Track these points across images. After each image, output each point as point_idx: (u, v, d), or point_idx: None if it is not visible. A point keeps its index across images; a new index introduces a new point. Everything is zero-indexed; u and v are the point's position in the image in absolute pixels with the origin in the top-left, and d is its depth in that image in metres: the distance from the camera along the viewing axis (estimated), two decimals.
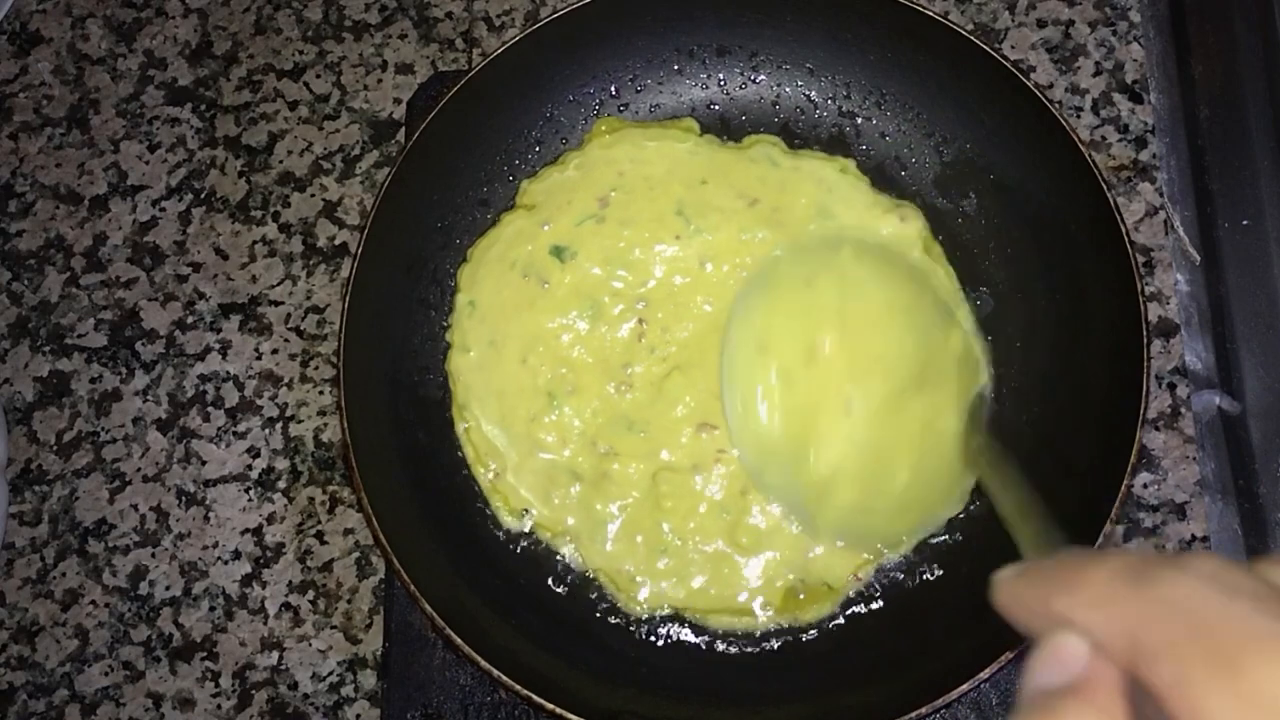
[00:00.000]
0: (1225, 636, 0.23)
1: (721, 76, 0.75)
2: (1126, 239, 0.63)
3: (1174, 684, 0.24)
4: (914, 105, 0.73)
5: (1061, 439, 0.65)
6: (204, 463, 0.74)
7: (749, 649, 0.66)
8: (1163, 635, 0.24)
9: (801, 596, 0.66)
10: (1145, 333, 0.62)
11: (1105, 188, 0.64)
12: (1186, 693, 0.23)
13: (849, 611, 0.66)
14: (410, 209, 0.70)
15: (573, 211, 0.72)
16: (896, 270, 0.63)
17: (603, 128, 0.74)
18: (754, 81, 0.75)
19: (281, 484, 0.73)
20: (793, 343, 0.62)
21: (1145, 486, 0.71)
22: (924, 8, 0.69)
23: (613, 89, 0.75)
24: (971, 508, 0.66)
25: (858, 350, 0.61)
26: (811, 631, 0.66)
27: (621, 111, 0.75)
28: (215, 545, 0.72)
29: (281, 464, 0.74)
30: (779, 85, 0.75)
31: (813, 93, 0.75)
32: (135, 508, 0.73)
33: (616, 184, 0.72)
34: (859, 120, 0.74)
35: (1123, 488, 0.59)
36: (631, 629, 0.66)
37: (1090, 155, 0.65)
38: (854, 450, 0.61)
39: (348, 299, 0.66)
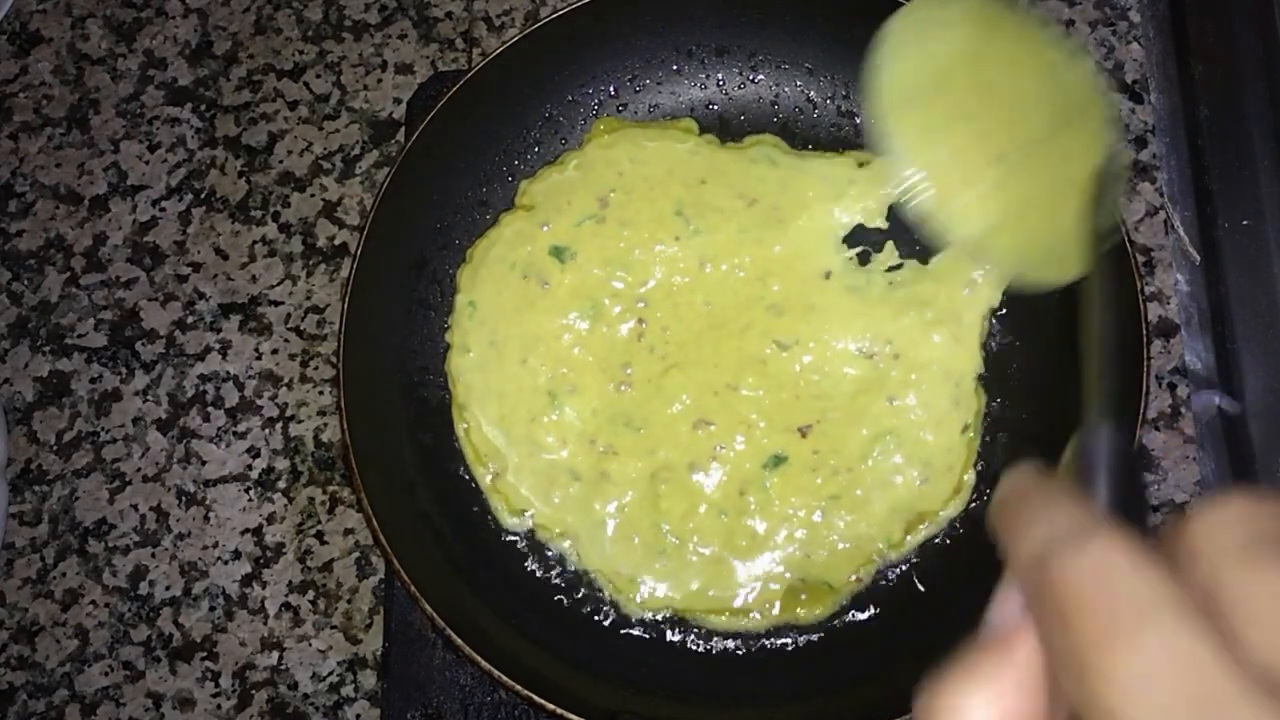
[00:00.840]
0: (1083, 624, 0.23)
1: (720, 76, 0.75)
2: (1127, 240, 0.63)
3: (1051, 661, 0.25)
4: None
5: (1062, 439, 0.65)
6: (204, 463, 0.74)
7: (749, 648, 0.66)
8: (1046, 608, 0.25)
9: (802, 597, 0.66)
10: (1145, 333, 0.62)
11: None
12: (1060, 671, 0.24)
13: (849, 612, 0.66)
14: (410, 209, 0.70)
15: (572, 212, 0.72)
16: (1022, 19, 0.62)
17: (602, 128, 0.74)
18: (753, 81, 0.75)
19: (281, 484, 0.73)
20: (936, 97, 0.60)
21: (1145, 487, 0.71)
22: None
23: (612, 89, 0.75)
24: (972, 506, 0.66)
25: (1002, 92, 0.59)
26: (812, 632, 0.66)
27: (620, 112, 0.75)
28: (215, 545, 0.72)
29: (281, 464, 0.74)
30: (778, 85, 0.75)
31: (812, 92, 0.75)
32: (135, 508, 0.73)
33: (616, 184, 0.72)
34: (858, 120, 0.74)
35: None
36: (631, 629, 0.66)
37: None
38: (1003, 191, 0.59)
39: (347, 299, 0.66)
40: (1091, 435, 0.31)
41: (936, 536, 0.66)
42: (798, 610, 0.65)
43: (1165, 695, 0.22)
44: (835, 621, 0.66)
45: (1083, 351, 0.40)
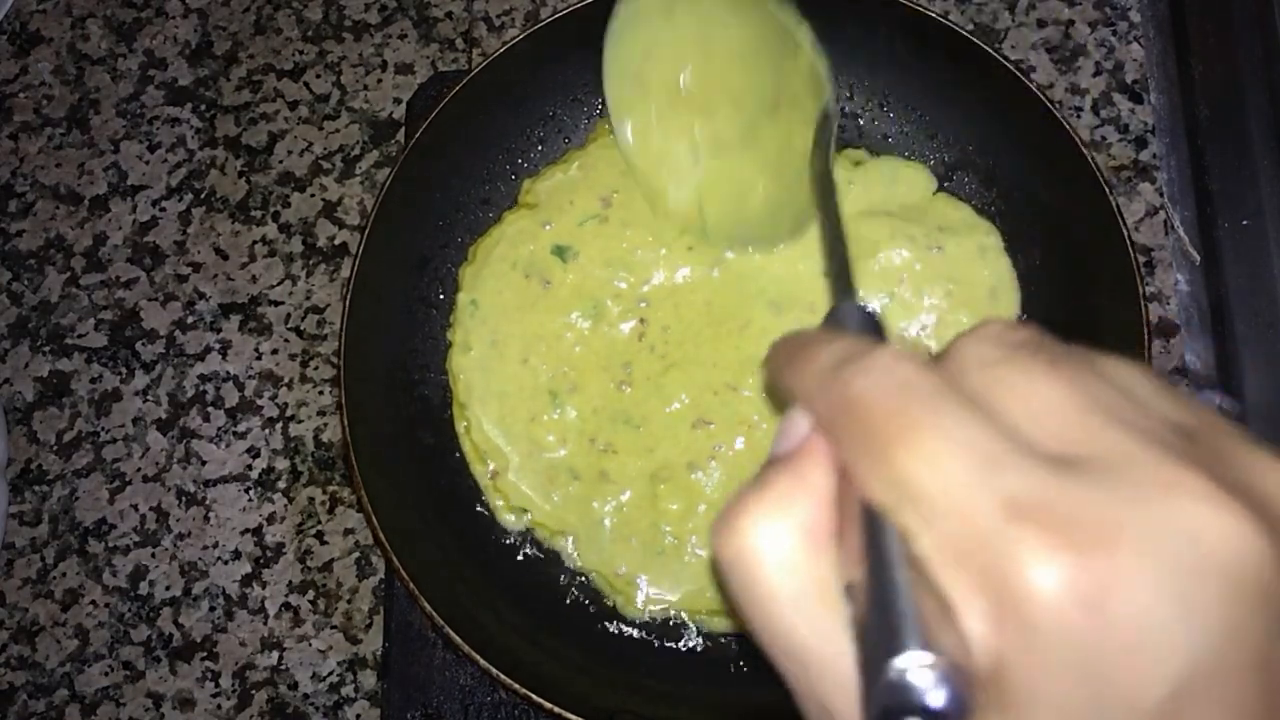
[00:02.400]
0: (880, 424, 0.25)
1: None
2: (1129, 242, 0.63)
3: (847, 467, 0.26)
4: (917, 107, 0.73)
5: None
6: (204, 463, 0.74)
7: (749, 649, 0.66)
8: (842, 421, 0.26)
9: None
10: (1147, 335, 0.62)
11: (1108, 191, 0.64)
12: (854, 474, 0.26)
13: None
14: (412, 206, 0.70)
15: (575, 211, 0.72)
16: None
17: (606, 128, 0.74)
18: None
19: (281, 484, 0.73)
20: (661, 78, 0.66)
21: None
22: (927, 9, 0.69)
23: None
24: None
25: (715, 81, 0.65)
26: None
27: None
28: (215, 545, 0.72)
29: (281, 464, 0.74)
30: None
31: None
32: (135, 508, 0.73)
33: (619, 184, 0.72)
34: (861, 121, 0.74)
35: None
36: (631, 629, 0.66)
37: (1093, 158, 0.65)
38: (714, 176, 0.65)
39: (349, 296, 0.66)
40: (835, 311, 0.35)
41: None
42: None
43: (962, 465, 0.24)
44: None
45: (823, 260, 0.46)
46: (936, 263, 0.69)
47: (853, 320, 0.34)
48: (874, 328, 0.33)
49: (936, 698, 0.23)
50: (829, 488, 0.27)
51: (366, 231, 0.67)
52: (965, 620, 0.23)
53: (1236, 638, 0.22)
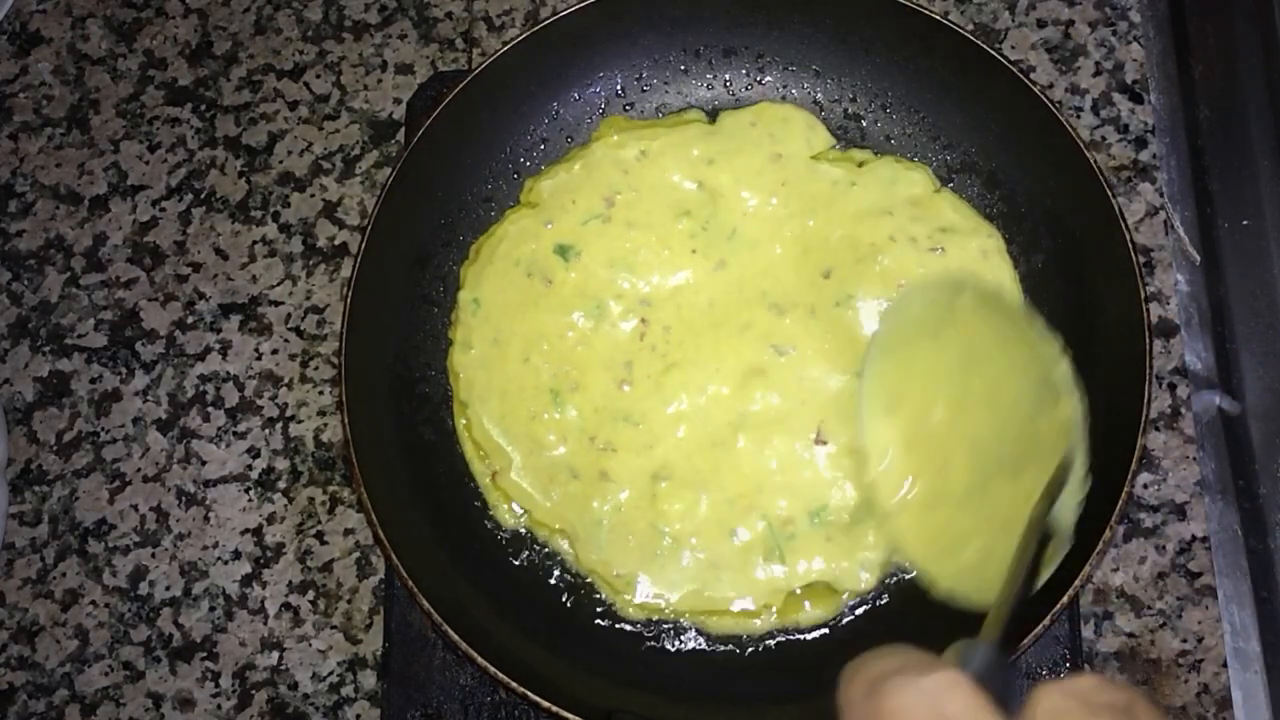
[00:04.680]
0: None
1: (728, 77, 0.75)
2: (1130, 244, 0.63)
3: None
4: (919, 108, 0.73)
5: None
6: (204, 463, 0.74)
7: (748, 650, 0.66)
8: None
9: (806, 605, 0.66)
10: (1148, 338, 0.62)
11: (1110, 193, 0.64)
12: None
13: (850, 614, 0.66)
14: (414, 204, 0.70)
15: (578, 210, 0.72)
16: (1011, 324, 0.60)
17: (608, 127, 0.74)
18: (760, 83, 0.75)
19: (281, 484, 0.73)
20: (913, 406, 0.60)
21: (1145, 487, 0.71)
22: (930, 11, 0.69)
23: (619, 88, 0.75)
24: None
25: (961, 426, 0.59)
26: (811, 633, 0.66)
27: (627, 111, 0.75)
28: (215, 545, 0.72)
29: (281, 464, 0.74)
30: (785, 87, 0.75)
31: (819, 94, 0.75)
32: (135, 508, 0.73)
33: (622, 184, 0.72)
34: (864, 123, 0.74)
35: (1125, 491, 0.59)
36: (629, 629, 0.66)
37: (1095, 160, 0.65)
38: (922, 523, 0.59)
39: (351, 292, 0.66)
40: (968, 645, 0.33)
41: None
42: (799, 614, 0.65)
43: None
44: (836, 624, 0.65)
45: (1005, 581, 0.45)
46: (938, 264, 0.69)
47: (978, 660, 0.31)
48: (998, 677, 0.30)
49: None
50: None
51: (368, 229, 0.67)
52: None
53: None
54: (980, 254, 0.70)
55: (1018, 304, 0.56)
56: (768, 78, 0.75)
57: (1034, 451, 0.56)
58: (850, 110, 0.74)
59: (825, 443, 0.67)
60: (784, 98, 0.75)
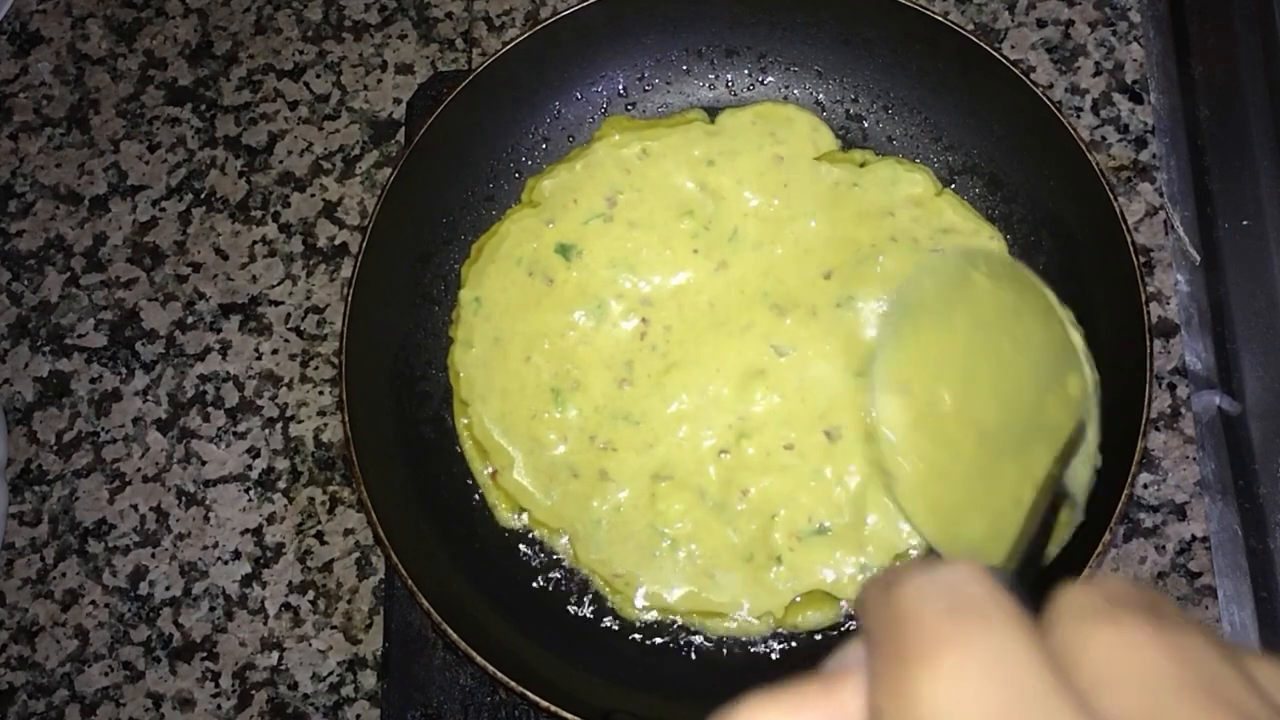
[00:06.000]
0: (911, 638, 0.22)
1: (730, 77, 0.75)
2: (1131, 247, 0.63)
3: (869, 683, 0.23)
4: (921, 109, 0.73)
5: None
6: (204, 463, 0.74)
7: (748, 650, 0.66)
8: (880, 635, 0.23)
9: (804, 607, 0.65)
10: (1149, 340, 0.62)
11: (1112, 196, 0.64)
12: (871, 692, 0.22)
13: (849, 622, 0.66)
14: (416, 202, 0.70)
15: (579, 210, 0.72)
16: (1023, 298, 0.60)
17: (610, 127, 0.74)
18: (762, 83, 0.75)
19: (281, 484, 0.73)
20: (925, 390, 0.59)
21: (1145, 487, 0.71)
22: (933, 12, 0.69)
23: (621, 87, 0.75)
24: None
25: (970, 410, 0.58)
26: (813, 634, 0.66)
27: (629, 110, 0.75)
28: (215, 545, 0.72)
29: (281, 464, 0.74)
30: (787, 87, 0.75)
31: (821, 95, 0.75)
32: (135, 508, 0.73)
33: (624, 184, 0.72)
34: (866, 124, 0.74)
35: (1125, 492, 0.59)
36: (629, 630, 0.66)
37: (1097, 163, 0.65)
38: (933, 494, 0.59)
39: (352, 289, 0.66)
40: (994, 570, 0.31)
41: None
42: (799, 618, 0.65)
43: (988, 695, 0.20)
44: (835, 626, 0.65)
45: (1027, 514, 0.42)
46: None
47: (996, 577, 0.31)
48: (1017, 592, 0.30)
49: None
50: (858, 713, 0.23)
51: (370, 226, 0.67)
52: None
53: None
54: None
55: (1031, 276, 0.56)
56: (770, 78, 0.75)
57: (1042, 428, 0.55)
58: (852, 111, 0.74)
59: (830, 440, 0.67)
60: (786, 98, 0.75)
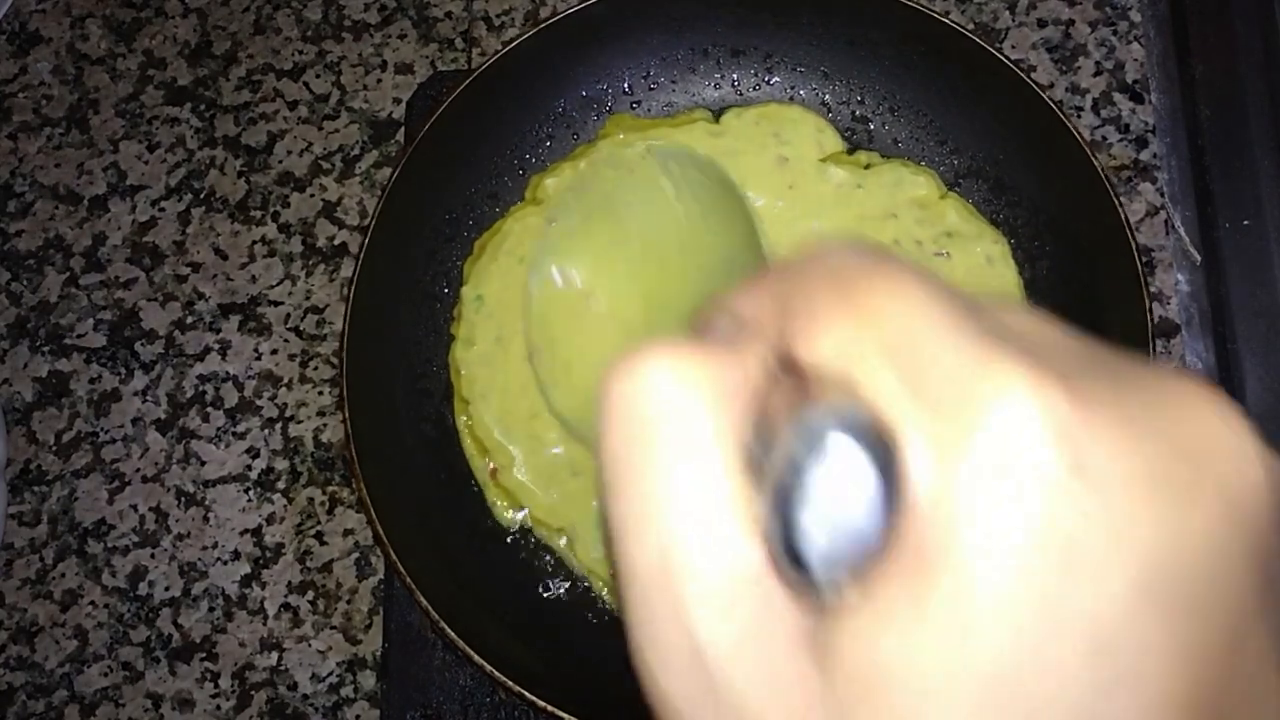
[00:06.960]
0: (850, 274, 0.22)
1: (736, 77, 0.75)
2: (1134, 247, 0.63)
3: (800, 325, 0.22)
4: (926, 111, 0.73)
5: None
6: (203, 463, 0.74)
7: None
8: (798, 282, 0.23)
9: None
10: (1151, 341, 0.62)
11: (1116, 200, 0.64)
12: (801, 336, 0.22)
13: None
14: (418, 199, 0.70)
15: None
16: (721, 204, 0.59)
17: (615, 125, 0.74)
18: (768, 83, 0.75)
19: (281, 484, 0.73)
20: (583, 280, 0.61)
21: None
22: (940, 15, 0.69)
23: (626, 86, 0.75)
24: None
25: (624, 308, 0.59)
26: None
27: (634, 109, 0.75)
28: (215, 545, 0.72)
29: (281, 464, 0.74)
30: (793, 88, 0.75)
31: (827, 96, 0.75)
32: (135, 508, 0.73)
33: None
34: (872, 126, 0.74)
35: None
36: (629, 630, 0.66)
37: (1101, 167, 0.65)
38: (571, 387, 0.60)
39: (353, 286, 0.66)
40: None
41: None
42: None
43: (941, 302, 0.21)
44: None
45: None
46: (942, 269, 0.69)
47: None
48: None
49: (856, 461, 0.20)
50: (760, 377, 0.23)
51: (372, 222, 0.67)
52: (908, 450, 0.20)
53: (1235, 540, 0.20)
54: (985, 259, 0.70)
55: (729, 179, 0.56)
56: (776, 78, 0.75)
57: (716, 278, 0.56)
58: (858, 112, 0.74)
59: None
60: (792, 99, 0.75)
